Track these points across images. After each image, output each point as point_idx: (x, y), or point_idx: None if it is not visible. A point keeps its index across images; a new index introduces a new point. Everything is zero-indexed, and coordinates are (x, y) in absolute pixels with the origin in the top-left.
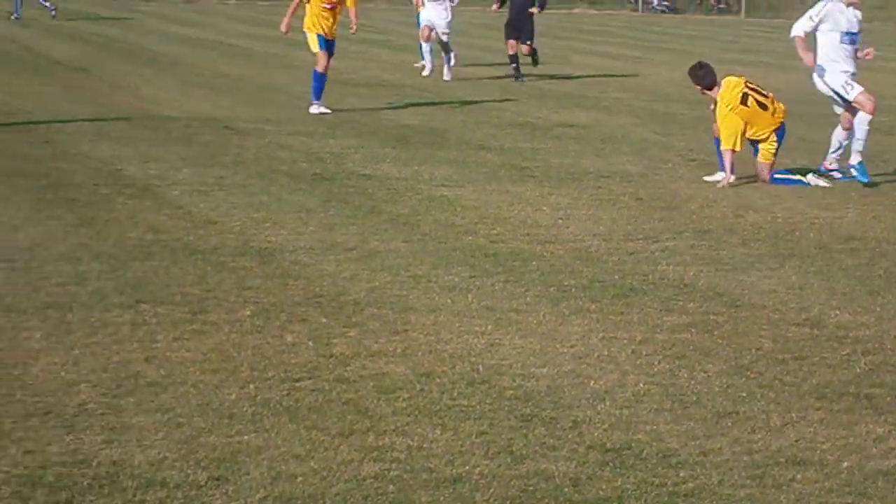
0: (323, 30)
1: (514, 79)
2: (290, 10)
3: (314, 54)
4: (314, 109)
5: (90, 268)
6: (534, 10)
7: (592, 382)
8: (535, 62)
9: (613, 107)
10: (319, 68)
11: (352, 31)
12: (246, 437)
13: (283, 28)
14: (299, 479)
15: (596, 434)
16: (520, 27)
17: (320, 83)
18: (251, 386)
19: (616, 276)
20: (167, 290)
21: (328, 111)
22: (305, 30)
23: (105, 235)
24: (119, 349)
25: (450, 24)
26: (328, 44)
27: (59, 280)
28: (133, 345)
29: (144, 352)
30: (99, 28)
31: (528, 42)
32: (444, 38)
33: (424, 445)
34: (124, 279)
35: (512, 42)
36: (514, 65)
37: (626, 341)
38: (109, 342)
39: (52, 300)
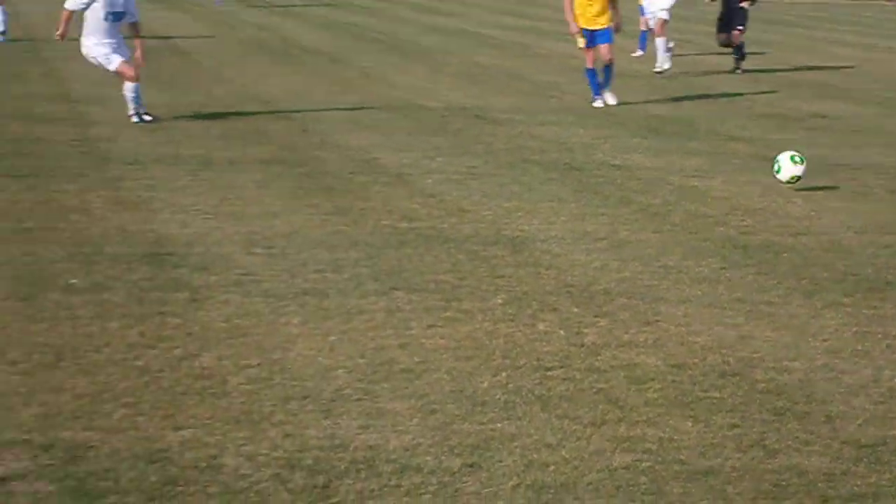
0: (585, 20)
1: (734, 69)
2: (567, 9)
3: (580, 49)
4: (597, 104)
5: (346, 255)
6: (745, 3)
7: (846, 377)
8: (741, 58)
9: (865, 97)
10: (588, 64)
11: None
12: (499, 425)
13: (573, 29)
14: (551, 467)
15: (850, 429)
16: (730, 21)
17: (592, 79)
18: (503, 374)
19: (870, 270)
20: (421, 277)
21: (603, 105)
22: None
23: (361, 223)
24: (374, 335)
25: (670, 12)
26: (594, 36)
27: (317, 267)
28: (388, 331)
29: (399, 338)
30: (352, 17)
31: (740, 27)
32: (655, 20)
33: (676, 437)
34: (379, 266)
35: (722, 36)
36: (735, 53)
37: (880, 336)
38: (365, 328)
39: (309, 286)
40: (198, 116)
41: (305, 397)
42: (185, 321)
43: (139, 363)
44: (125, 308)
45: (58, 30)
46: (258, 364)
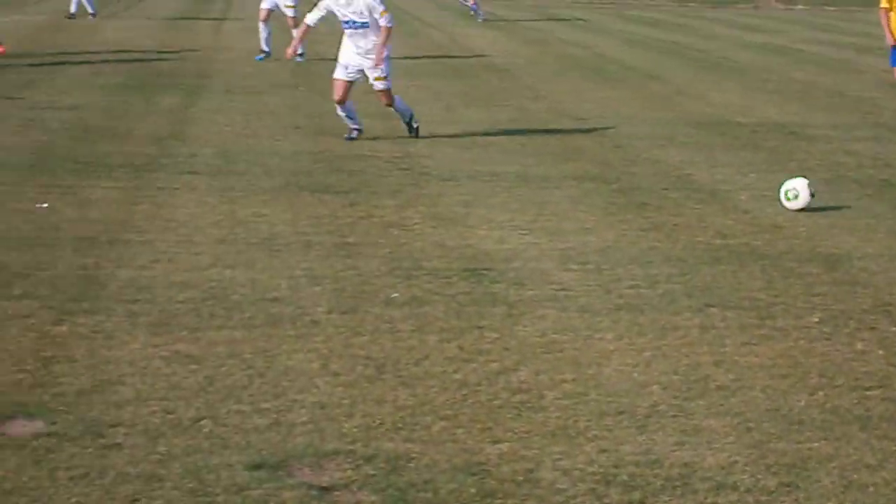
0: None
1: None
2: (884, 23)
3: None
4: None
5: (660, 271)
6: None
7: None
8: None
9: None
10: None
11: None
12: (816, 445)
13: (889, 41)
14: (871, 488)
15: None
16: None
17: None
18: (820, 393)
19: None
20: (735, 294)
21: None
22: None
23: (674, 239)
24: (688, 352)
25: None
26: None
27: (631, 282)
28: (702, 348)
29: (713, 355)
30: (668, 35)
31: None
32: None
33: None
34: (692, 283)
35: None
36: None
37: None
38: (679, 345)
39: (623, 302)
40: (513, 132)
41: (621, 413)
42: (503, 335)
43: (457, 376)
44: (444, 322)
45: (291, 46)
46: (574, 379)
